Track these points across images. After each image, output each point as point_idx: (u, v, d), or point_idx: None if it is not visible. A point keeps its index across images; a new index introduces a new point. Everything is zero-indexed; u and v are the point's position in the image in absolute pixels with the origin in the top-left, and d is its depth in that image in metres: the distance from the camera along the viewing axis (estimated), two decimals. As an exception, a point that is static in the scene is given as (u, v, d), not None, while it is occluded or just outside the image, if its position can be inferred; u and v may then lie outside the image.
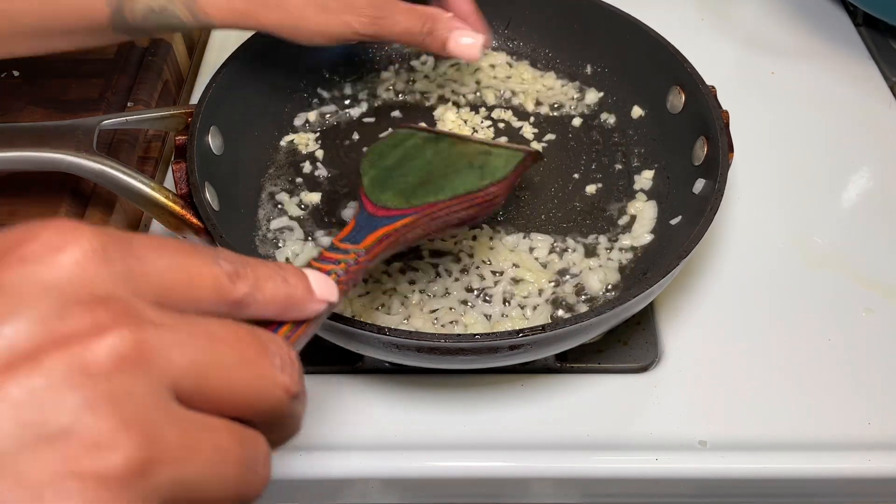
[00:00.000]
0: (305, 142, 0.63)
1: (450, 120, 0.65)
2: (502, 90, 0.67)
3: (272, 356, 0.24)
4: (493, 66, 0.69)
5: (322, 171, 0.61)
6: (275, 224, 0.57)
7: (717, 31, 0.79)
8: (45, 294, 0.21)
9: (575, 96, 0.67)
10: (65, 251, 0.21)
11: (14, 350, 0.20)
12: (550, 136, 0.64)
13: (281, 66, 0.64)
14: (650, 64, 0.62)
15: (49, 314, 0.20)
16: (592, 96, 0.66)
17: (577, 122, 0.65)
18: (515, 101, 0.66)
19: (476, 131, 0.64)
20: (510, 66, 0.69)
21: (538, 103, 0.66)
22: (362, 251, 0.36)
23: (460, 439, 0.49)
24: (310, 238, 0.57)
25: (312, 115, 0.65)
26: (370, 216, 0.40)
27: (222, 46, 0.75)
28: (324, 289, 0.29)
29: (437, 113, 0.65)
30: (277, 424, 0.25)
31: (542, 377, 0.52)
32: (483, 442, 0.49)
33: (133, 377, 0.20)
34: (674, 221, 0.56)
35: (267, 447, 0.24)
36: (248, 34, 0.60)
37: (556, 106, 0.66)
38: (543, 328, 0.42)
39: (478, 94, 0.67)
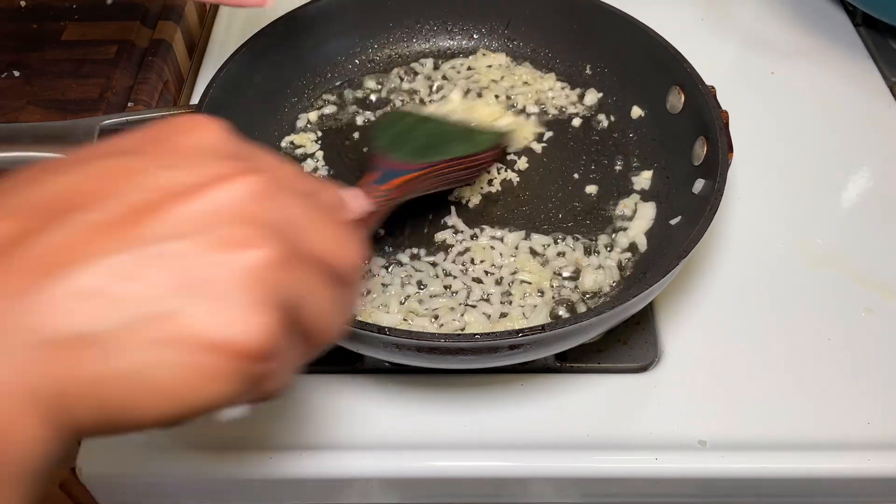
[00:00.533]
0: (306, 142, 0.63)
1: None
2: (502, 90, 0.67)
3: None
4: (490, 67, 0.69)
5: (323, 172, 0.61)
6: None
7: (716, 31, 0.79)
8: (199, 152, 0.27)
9: (574, 97, 0.67)
10: (207, 127, 0.28)
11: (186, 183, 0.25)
12: (550, 136, 0.64)
13: (281, 67, 0.64)
14: (650, 64, 0.62)
15: (208, 161, 0.26)
16: (592, 97, 0.66)
17: (576, 122, 0.65)
18: (515, 102, 0.66)
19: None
20: (510, 66, 0.69)
21: (538, 103, 0.66)
22: (386, 191, 0.48)
23: (460, 439, 0.49)
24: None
25: (313, 116, 0.65)
26: (390, 169, 0.50)
27: (223, 47, 0.75)
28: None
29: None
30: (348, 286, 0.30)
31: (542, 377, 0.52)
32: (483, 442, 0.49)
33: (266, 203, 0.26)
34: (673, 221, 0.56)
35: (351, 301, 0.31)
36: (249, 33, 0.60)
37: (556, 106, 0.66)
38: (543, 328, 0.42)
39: (479, 94, 0.67)
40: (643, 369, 0.53)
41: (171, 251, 0.24)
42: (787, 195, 0.64)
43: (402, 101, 0.67)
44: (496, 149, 0.60)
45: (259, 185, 0.26)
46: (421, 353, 0.44)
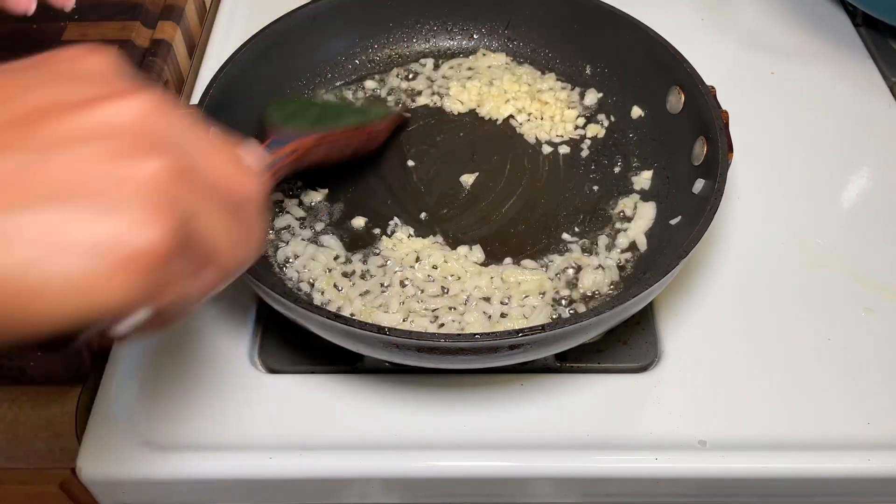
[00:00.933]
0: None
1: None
2: (502, 90, 0.67)
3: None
4: (490, 67, 0.69)
5: (322, 171, 0.61)
6: (277, 224, 0.58)
7: (716, 31, 0.79)
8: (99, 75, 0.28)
9: (575, 97, 0.67)
10: (101, 53, 0.28)
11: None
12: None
13: (281, 67, 0.64)
14: (650, 64, 0.62)
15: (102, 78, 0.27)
16: (592, 97, 0.66)
17: (579, 121, 0.65)
18: (516, 102, 0.66)
19: None
20: (509, 66, 0.69)
21: (540, 103, 0.66)
22: (278, 157, 0.48)
23: (460, 439, 0.49)
24: (312, 239, 0.57)
25: None
26: (280, 138, 0.50)
27: (223, 47, 0.75)
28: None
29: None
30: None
31: (542, 377, 0.52)
32: (483, 442, 0.49)
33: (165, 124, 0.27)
34: (674, 221, 0.56)
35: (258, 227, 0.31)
36: (250, 33, 0.61)
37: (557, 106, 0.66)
38: (543, 328, 0.42)
39: (479, 94, 0.67)
40: (643, 369, 0.53)
41: (59, 159, 0.24)
42: (786, 195, 0.64)
43: (400, 100, 0.67)
44: (390, 120, 0.62)
45: (154, 104, 0.26)
46: (421, 353, 0.44)
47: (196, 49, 0.79)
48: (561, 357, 0.52)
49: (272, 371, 0.52)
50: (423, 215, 0.58)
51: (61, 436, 0.50)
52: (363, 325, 0.42)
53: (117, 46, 0.69)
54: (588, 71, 0.67)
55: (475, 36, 0.70)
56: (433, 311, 0.52)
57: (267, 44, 0.61)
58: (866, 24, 0.79)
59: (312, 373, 0.52)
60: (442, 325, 0.52)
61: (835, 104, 0.72)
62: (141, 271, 0.24)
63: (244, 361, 0.53)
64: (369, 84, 0.68)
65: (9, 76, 0.26)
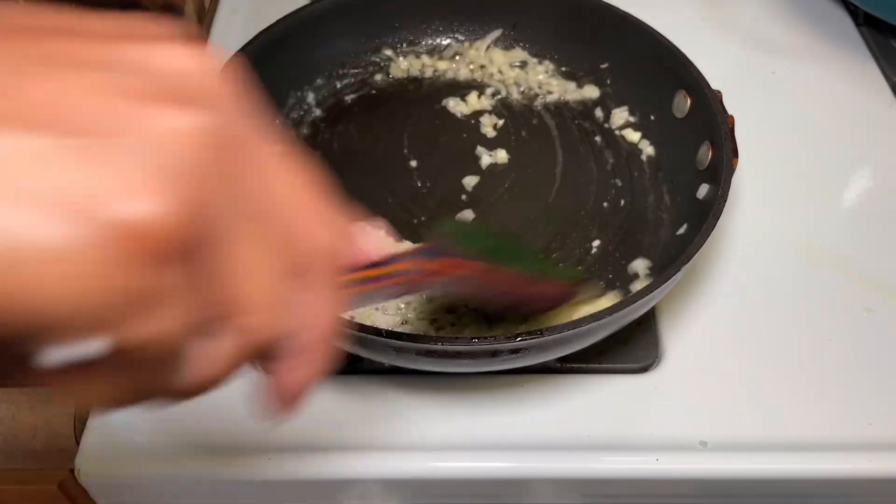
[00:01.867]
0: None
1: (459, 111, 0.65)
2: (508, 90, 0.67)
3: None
4: (491, 62, 0.68)
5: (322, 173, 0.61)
6: None
7: (718, 31, 0.79)
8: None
9: (580, 98, 0.66)
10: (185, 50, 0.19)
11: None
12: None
13: (284, 68, 0.63)
14: (656, 67, 0.61)
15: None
16: (598, 99, 0.66)
17: (585, 125, 0.65)
18: (518, 103, 0.66)
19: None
20: (516, 66, 0.69)
21: (543, 106, 0.66)
22: (425, 266, 0.35)
23: (460, 439, 0.49)
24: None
25: (305, 130, 0.65)
26: (438, 248, 0.37)
27: (223, 47, 0.75)
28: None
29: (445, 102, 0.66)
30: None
31: (543, 377, 0.52)
32: (483, 442, 0.49)
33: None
34: (680, 232, 0.55)
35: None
36: (250, 33, 0.60)
37: (560, 107, 0.66)
38: (542, 332, 0.42)
39: (481, 95, 0.67)
40: (644, 370, 0.53)
41: (55, 74, 0.16)
42: (787, 195, 0.64)
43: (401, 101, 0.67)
44: (568, 289, 0.49)
45: (225, 76, 0.19)
46: (420, 356, 0.44)
47: (196, 49, 0.79)
48: (562, 358, 0.52)
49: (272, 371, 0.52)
50: (422, 218, 0.58)
51: (60, 436, 0.50)
52: (361, 328, 0.42)
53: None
54: (594, 73, 0.67)
55: (483, 37, 0.70)
56: (430, 314, 0.52)
57: (269, 45, 0.61)
58: (868, 24, 0.79)
59: (312, 373, 0.52)
60: (440, 326, 0.51)
61: (836, 104, 0.71)
62: (122, 256, 0.15)
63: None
64: (375, 85, 0.67)
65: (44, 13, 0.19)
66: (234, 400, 0.51)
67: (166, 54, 0.18)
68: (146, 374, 0.19)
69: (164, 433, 0.49)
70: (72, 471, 0.49)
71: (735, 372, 0.53)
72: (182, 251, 0.17)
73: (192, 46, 0.19)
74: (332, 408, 0.50)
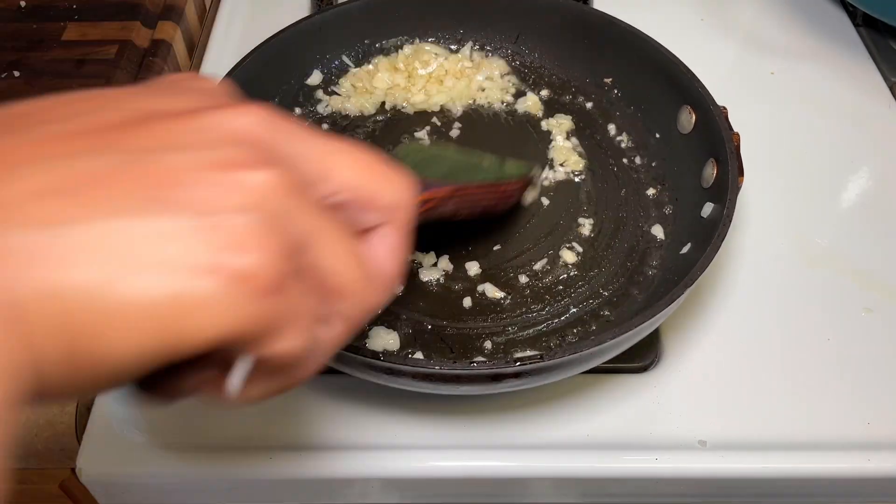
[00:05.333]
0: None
1: None
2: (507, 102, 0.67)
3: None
4: (490, 79, 0.68)
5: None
6: None
7: (716, 32, 0.79)
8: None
9: (583, 109, 0.66)
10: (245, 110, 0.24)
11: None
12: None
13: (287, 79, 0.63)
14: (661, 82, 0.61)
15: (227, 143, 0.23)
16: (600, 113, 0.65)
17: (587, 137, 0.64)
18: (521, 112, 0.66)
19: None
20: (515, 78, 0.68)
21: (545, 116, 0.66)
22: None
23: (460, 439, 0.49)
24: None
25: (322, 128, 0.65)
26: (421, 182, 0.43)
27: (223, 47, 0.75)
28: None
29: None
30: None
31: (542, 377, 0.52)
32: (483, 442, 0.49)
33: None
34: (684, 251, 0.54)
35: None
36: (250, 35, 0.60)
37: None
38: (542, 357, 0.42)
39: (485, 103, 0.67)
40: (643, 369, 0.53)
41: (158, 162, 0.21)
42: (786, 195, 0.64)
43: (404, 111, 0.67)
44: (525, 179, 0.57)
45: (268, 116, 0.24)
46: (416, 380, 0.43)
47: (196, 49, 0.79)
48: (561, 357, 0.52)
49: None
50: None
51: (61, 436, 0.50)
52: (353, 350, 0.42)
53: (117, 46, 0.69)
54: (596, 86, 0.66)
55: (486, 48, 0.69)
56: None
57: (272, 54, 0.61)
58: (866, 24, 0.79)
59: (312, 373, 0.52)
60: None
61: (834, 104, 0.72)
62: (246, 297, 0.21)
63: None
64: (372, 92, 0.67)
65: (116, 89, 0.24)
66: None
67: (225, 120, 0.23)
68: (285, 372, 0.24)
69: (165, 433, 0.49)
70: (73, 470, 0.49)
71: (734, 372, 0.53)
72: (288, 275, 0.22)
73: (239, 104, 0.24)
74: (332, 408, 0.51)
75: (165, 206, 0.20)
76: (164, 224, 0.20)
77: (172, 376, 0.24)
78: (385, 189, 0.26)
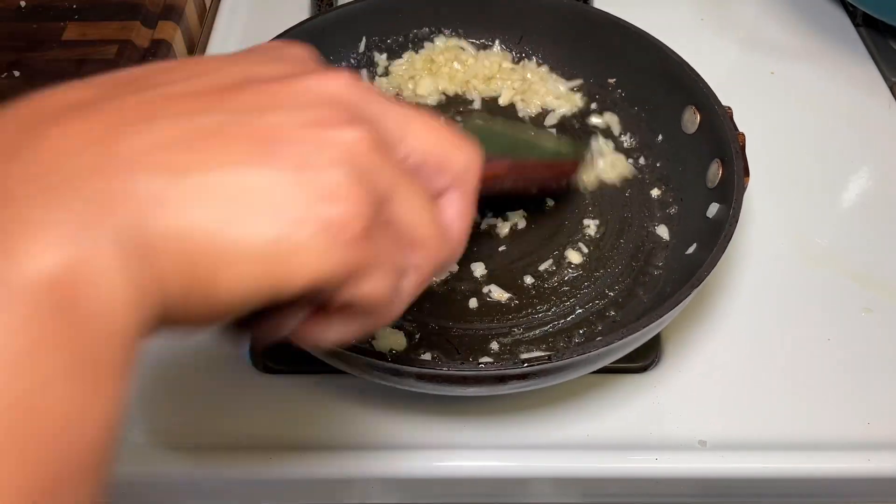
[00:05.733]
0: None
1: None
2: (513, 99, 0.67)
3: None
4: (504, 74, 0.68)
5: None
6: None
7: (716, 32, 0.79)
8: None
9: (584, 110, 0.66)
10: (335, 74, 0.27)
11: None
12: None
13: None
14: (665, 82, 0.60)
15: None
16: (605, 113, 0.65)
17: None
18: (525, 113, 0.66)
19: None
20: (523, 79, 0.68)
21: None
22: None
23: (460, 439, 0.49)
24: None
25: None
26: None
27: (223, 47, 0.75)
28: None
29: None
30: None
31: (542, 377, 0.52)
32: (483, 442, 0.49)
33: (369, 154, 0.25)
34: (689, 251, 0.53)
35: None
36: (250, 35, 0.60)
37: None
38: (549, 358, 0.42)
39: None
40: (643, 369, 0.53)
41: (261, 121, 0.23)
42: (786, 195, 0.64)
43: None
44: (578, 159, 0.59)
45: (353, 81, 0.26)
46: (421, 380, 0.43)
47: (196, 49, 0.79)
48: (561, 357, 0.52)
49: (271, 371, 0.52)
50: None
51: (61, 436, 0.50)
52: (360, 351, 0.42)
53: (118, 46, 0.69)
54: (600, 87, 0.66)
55: (490, 48, 0.69)
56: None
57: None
58: (866, 24, 0.79)
59: (312, 373, 0.52)
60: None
61: (834, 104, 0.72)
62: (339, 243, 0.23)
63: (244, 361, 0.53)
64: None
65: (217, 57, 0.26)
66: (234, 400, 0.51)
67: (317, 84, 0.25)
68: (367, 316, 0.26)
69: (165, 433, 0.49)
70: (73, 471, 0.49)
71: (734, 371, 0.53)
72: (374, 224, 0.24)
73: (328, 70, 0.26)
74: (332, 408, 0.51)
75: (269, 161, 0.23)
76: (269, 176, 0.22)
77: (267, 317, 0.26)
78: (455, 155, 0.29)
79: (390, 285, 0.26)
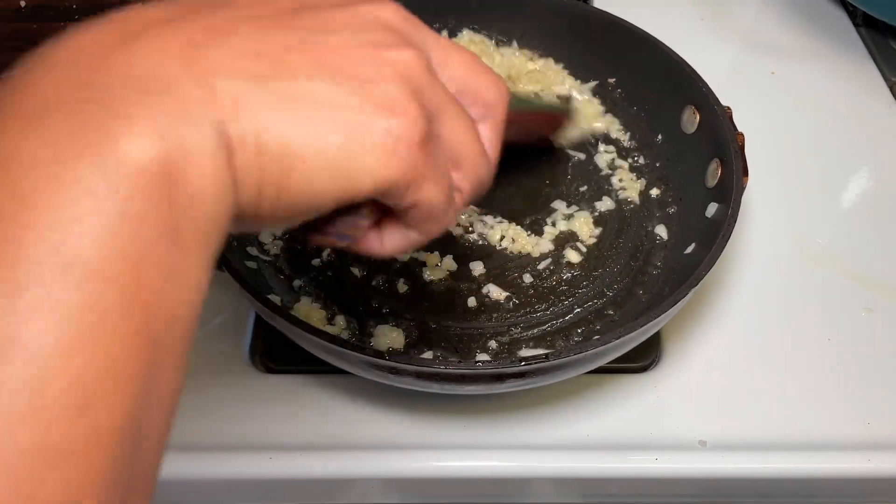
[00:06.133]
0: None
1: None
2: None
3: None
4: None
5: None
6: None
7: (716, 31, 0.79)
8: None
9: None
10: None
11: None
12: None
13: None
14: (664, 82, 0.60)
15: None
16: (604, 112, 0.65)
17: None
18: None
19: None
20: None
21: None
22: None
23: (460, 439, 0.49)
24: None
25: None
26: None
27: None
28: None
29: None
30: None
31: (542, 377, 0.52)
32: (483, 442, 0.49)
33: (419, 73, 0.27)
34: (688, 251, 0.54)
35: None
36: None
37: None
38: (547, 356, 0.42)
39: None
40: (643, 369, 0.53)
41: (327, 39, 0.26)
42: (786, 195, 0.64)
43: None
44: (567, 110, 0.62)
45: (404, 11, 0.29)
46: (420, 379, 0.43)
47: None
48: (561, 357, 0.52)
49: (271, 371, 0.52)
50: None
51: (61, 436, 0.50)
52: (358, 349, 0.42)
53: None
54: (600, 86, 0.66)
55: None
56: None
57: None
58: (866, 24, 0.79)
59: (312, 373, 0.52)
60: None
61: (834, 104, 0.72)
62: (400, 150, 0.25)
63: (243, 361, 0.53)
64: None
65: None
66: (234, 400, 0.51)
67: (371, 10, 0.28)
68: (422, 224, 0.29)
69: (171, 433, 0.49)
70: (72, 471, 0.49)
71: (734, 371, 0.53)
72: (427, 138, 0.27)
73: (389, 2, 0.29)
74: (332, 408, 0.51)
75: (336, 75, 0.25)
76: (336, 88, 0.25)
77: (330, 223, 0.28)
78: (489, 87, 0.31)
79: (447, 192, 0.28)
